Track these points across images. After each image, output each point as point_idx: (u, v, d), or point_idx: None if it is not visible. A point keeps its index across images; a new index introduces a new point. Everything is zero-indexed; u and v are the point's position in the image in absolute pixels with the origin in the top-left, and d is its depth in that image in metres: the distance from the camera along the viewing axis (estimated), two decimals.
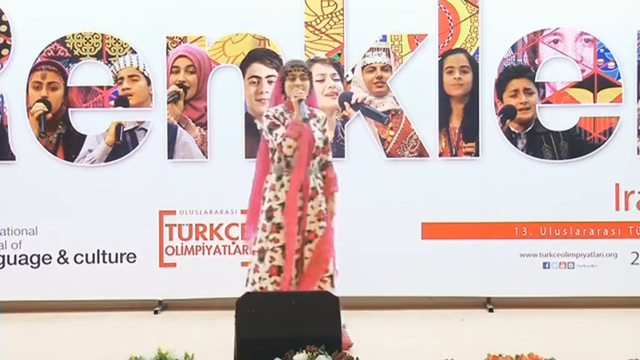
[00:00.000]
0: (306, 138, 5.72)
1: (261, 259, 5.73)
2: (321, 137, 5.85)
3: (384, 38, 7.36)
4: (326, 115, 5.96)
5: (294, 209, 5.71)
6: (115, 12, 7.38)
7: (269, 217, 5.76)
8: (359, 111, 7.32)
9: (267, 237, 5.73)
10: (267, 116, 5.83)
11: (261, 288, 5.69)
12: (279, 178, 5.79)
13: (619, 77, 7.30)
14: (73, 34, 7.39)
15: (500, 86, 7.34)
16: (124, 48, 7.39)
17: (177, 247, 7.39)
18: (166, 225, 7.39)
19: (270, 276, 5.70)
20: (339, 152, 7.28)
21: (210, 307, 7.25)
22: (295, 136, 5.69)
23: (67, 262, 7.38)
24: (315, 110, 5.89)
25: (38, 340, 6.45)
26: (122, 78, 7.41)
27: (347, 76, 7.34)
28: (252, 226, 5.91)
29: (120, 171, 7.38)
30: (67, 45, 7.39)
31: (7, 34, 7.39)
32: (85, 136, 7.40)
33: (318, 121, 5.87)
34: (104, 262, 7.39)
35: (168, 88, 7.39)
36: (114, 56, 7.40)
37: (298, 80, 5.75)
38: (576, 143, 7.33)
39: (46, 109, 7.38)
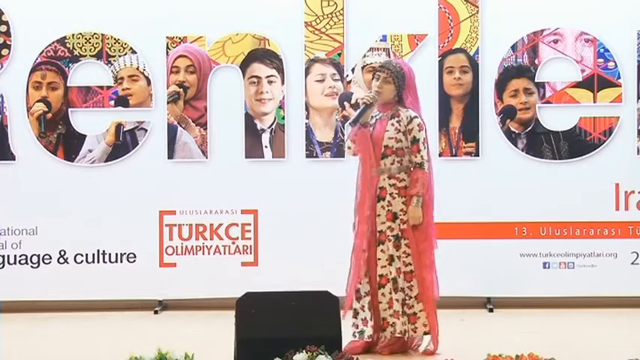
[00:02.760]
0: (365, 139, 5.68)
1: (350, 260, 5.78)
2: (395, 137, 5.66)
3: (384, 38, 7.36)
4: (413, 115, 5.67)
5: (362, 208, 5.69)
6: (115, 12, 7.38)
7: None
8: None
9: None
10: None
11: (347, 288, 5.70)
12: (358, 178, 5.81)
13: (619, 77, 7.30)
14: (73, 34, 7.39)
15: (500, 86, 7.34)
16: (124, 48, 7.39)
17: (177, 247, 7.40)
18: (166, 225, 7.39)
19: (351, 276, 5.71)
20: (339, 152, 7.28)
21: (210, 307, 7.25)
22: (352, 138, 5.71)
23: (67, 262, 7.38)
24: (401, 110, 5.69)
25: (38, 340, 6.45)
26: (122, 78, 7.41)
27: (347, 76, 7.34)
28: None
29: (120, 171, 7.38)
30: (67, 45, 7.39)
31: (7, 34, 7.39)
32: (85, 136, 7.40)
33: (399, 122, 5.67)
34: (104, 262, 7.39)
35: (168, 88, 7.39)
36: (114, 56, 7.40)
37: (380, 82, 5.67)
38: (576, 143, 7.33)
39: (46, 109, 7.38)
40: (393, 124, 5.68)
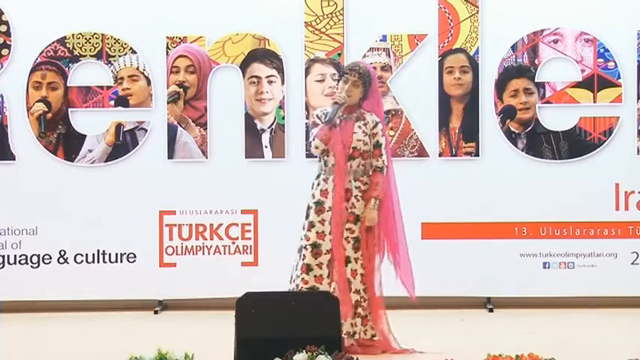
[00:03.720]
0: (338, 141, 5.69)
1: (299, 257, 5.75)
2: (362, 139, 5.69)
3: (384, 38, 7.36)
4: (378, 120, 5.75)
5: (337, 210, 5.69)
6: (115, 12, 7.38)
7: (306, 216, 5.76)
8: None
9: (303, 235, 5.74)
10: (313, 115, 5.92)
11: (296, 285, 5.70)
12: (317, 177, 5.80)
13: (619, 77, 7.30)
14: (73, 34, 7.39)
15: (500, 86, 7.34)
16: (124, 48, 7.39)
17: (177, 247, 7.40)
18: (166, 225, 7.40)
19: (300, 274, 5.70)
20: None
21: (210, 307, 7.25)
22: (322, 137, 5.68)
23: (67, 262, 7.38)
24: (366, 114, 5.73)
25: (38, 340, 6.45)
26: (122, 78, 7.41)
27: None
28: None
29: (120, 171, 7.38)
30: (67, 45, 7.39)
31: (7, 34, 7.39)
32: (85, 136, 7.40)
33: (365, 125, 5.71)
34: (104, 262, 7.39)
35: (168, 88, 7.39)
36: (114, 56, 7.40)
37: (349, 86, 5.69)
38: (576, 143, 7.33)
39: (46, 109, 7.38)
40: (360, 127, 5.71)
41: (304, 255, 5.70)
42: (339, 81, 5.78)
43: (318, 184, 5.77)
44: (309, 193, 5.80)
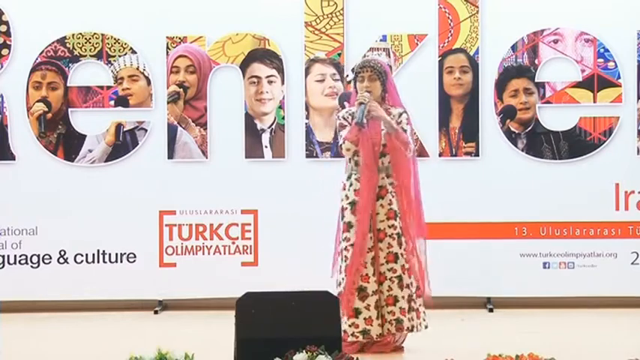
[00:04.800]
0: (367, 139, 5.68)
1: (342, 259, 5.74)
2: None
3: (384, 38, 7.36)
4: (402, 110, 5.76)
5: (365, 208, 5.69)
6: (115, 12, 7.38)
7: (342, 217, 5.77)
8: None
9: (343, 237, 5.74)
10: (337, 117, 5.92)
11: (344, 288, 5.67)
12: (348, 177, 5.80)
13: (619, 77, 7.30)
14: (73, 34, 7.39)
15: (500, 86, 7.34)
16: (124, 48, 7.39)
17: (177, 247, 7.40)
18: (166, 225, 7.40)
19: (345, 276, 5.68)
20: (339, 152, 7.27)
21: (210, 307, 7.25)
22: (352, 139, 5.68)
23: (67, 262, 7.38)
24: (391, 108, 5.75)
25: (38, 340, 6.45)
26: (122, 78, 7.41)
27: (347, 76, 7.34)
28: None
29: (120, 171, 7.38)
30: (67, 45, 7.39)
31: (7, 34, 7.39)
32: (85, 136, 7.40)
33: (391, 119, 5.72)
34: (104, 262, 7.39)
35: (168, 88, 7.40)
36: (114, 56, 7.40)
37: (366, 82, 5.71)
38: (576, 143, 7.33)
39: (46, 109, 7.38)
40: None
41: (346, 257, 5.69)
42: (355, 83, 5.78)
43: (351, 185, 5.76)
44: (341, 194, 5.79)
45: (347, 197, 5.77)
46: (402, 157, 5.74)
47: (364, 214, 5.67)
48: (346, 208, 5.75)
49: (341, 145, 5.77)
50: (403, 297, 5.67)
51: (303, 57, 7.36)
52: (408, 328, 5.68)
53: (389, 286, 5.66)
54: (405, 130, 5.71)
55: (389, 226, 5.70)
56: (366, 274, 5.67)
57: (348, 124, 5.75)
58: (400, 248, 5.70)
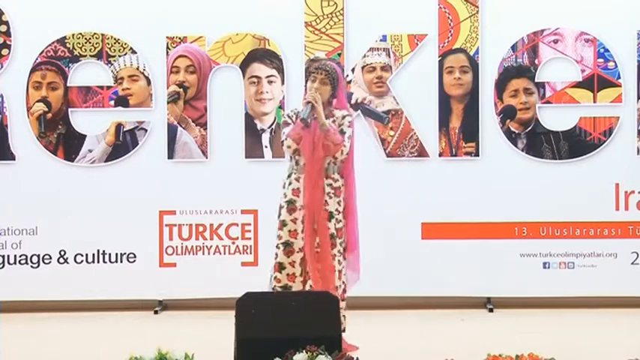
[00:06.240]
0: (309, 139, 5.72)
1: (274, 256, 5.83)
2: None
3: (384, 38, 7.36)
4: (346, 114, 5.84)
5: (312, 207, 5.73)
6: (115, 12, 7.38)
7: (278, 215, 5.85)
8: (359, 111, 7.31)
9: (276, 234, 5.82)
10: (285, 115, 5.96)
11: (273, 286, 5.78)
12: (288, 176, 5.86)
13: (619, 77, 7.30)
14: (73, 34, 7.39)
15: (500, 86, 7.34)
16: (124, 48, 7.39)
17: (177, 247, 7.40)
18: (166, 225, 7.40)
19: (273, 272, 5.80)
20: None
21: (210, 307, 7.25)
22: (294, 137, 5.73)
23: (67, 262, 7.38)
24: (335, 111, 5.82)
25: (38, 340, 6.45)
26: (122, 78, 7.41)
27: (347, 76, 7.33)
28: None
29: (120, 171, 7.38)
30: (67, 45, 7.39)
31: (7, 34, 7.39)
32: (85, 136, 7.40)
33: (334, 121, 5.78)
34: (104, 262, 7.39)
35: (168, 88, 7.40)
36: (114, 56, 7.40)
37: (317, 84, 5.78)
38: (576, 143, 7.33)
39: (46, 109, 7.38)
40: (330, 124, 5.74)
41: (276, 254, 5.81)
42: (306, 81, 5.84)
43: (290, 184, 5.84)
44: (281, 192, 5.86)
45: (285, 195, 5.85)
46: (334, 156, 5.77)
47: (308, 215, 5.73)
48: (282, 207, 5.84)
49: (282, 142, 5.81)
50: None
51: (303, 57, 7.35)
52: None
53: (311, 286, 5.74)
54: (344, 132, 5.76)
55: (327, 227, 5.75)
56: (293, 273, 5.76)
57: (292, 122, 5.81)
58: (332, 249, 5.75)
